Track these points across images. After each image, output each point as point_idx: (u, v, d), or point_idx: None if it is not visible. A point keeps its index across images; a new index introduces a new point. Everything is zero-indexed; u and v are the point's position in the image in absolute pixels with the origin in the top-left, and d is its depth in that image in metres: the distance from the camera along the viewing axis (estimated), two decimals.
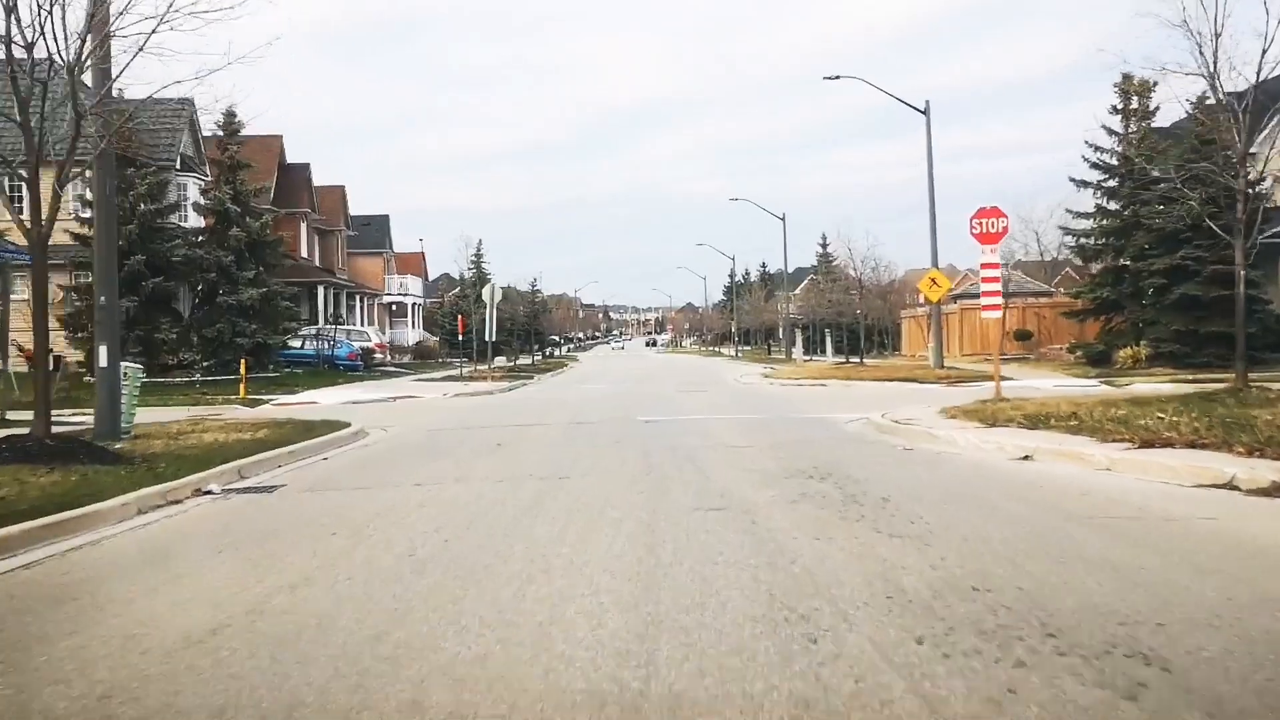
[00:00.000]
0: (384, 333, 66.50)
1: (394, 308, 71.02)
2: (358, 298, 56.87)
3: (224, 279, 34.07)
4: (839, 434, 15.22)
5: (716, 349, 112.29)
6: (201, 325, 33.56)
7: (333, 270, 55.05)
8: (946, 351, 48.99)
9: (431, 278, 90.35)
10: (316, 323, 47.72)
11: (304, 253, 50.20)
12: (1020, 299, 46.30)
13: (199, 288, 34.90)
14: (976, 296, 36.92)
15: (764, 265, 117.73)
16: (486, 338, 35.08)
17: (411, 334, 69.77)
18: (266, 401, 24.21)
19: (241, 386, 25.12)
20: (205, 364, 32.15)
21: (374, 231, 68.02)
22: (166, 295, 32.60)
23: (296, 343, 38.94)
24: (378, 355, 44.09)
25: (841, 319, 61.34)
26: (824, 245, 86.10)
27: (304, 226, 50.11)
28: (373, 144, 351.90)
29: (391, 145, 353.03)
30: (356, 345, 41.58)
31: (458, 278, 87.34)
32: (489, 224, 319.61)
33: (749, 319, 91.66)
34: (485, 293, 35.26)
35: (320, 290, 47.74)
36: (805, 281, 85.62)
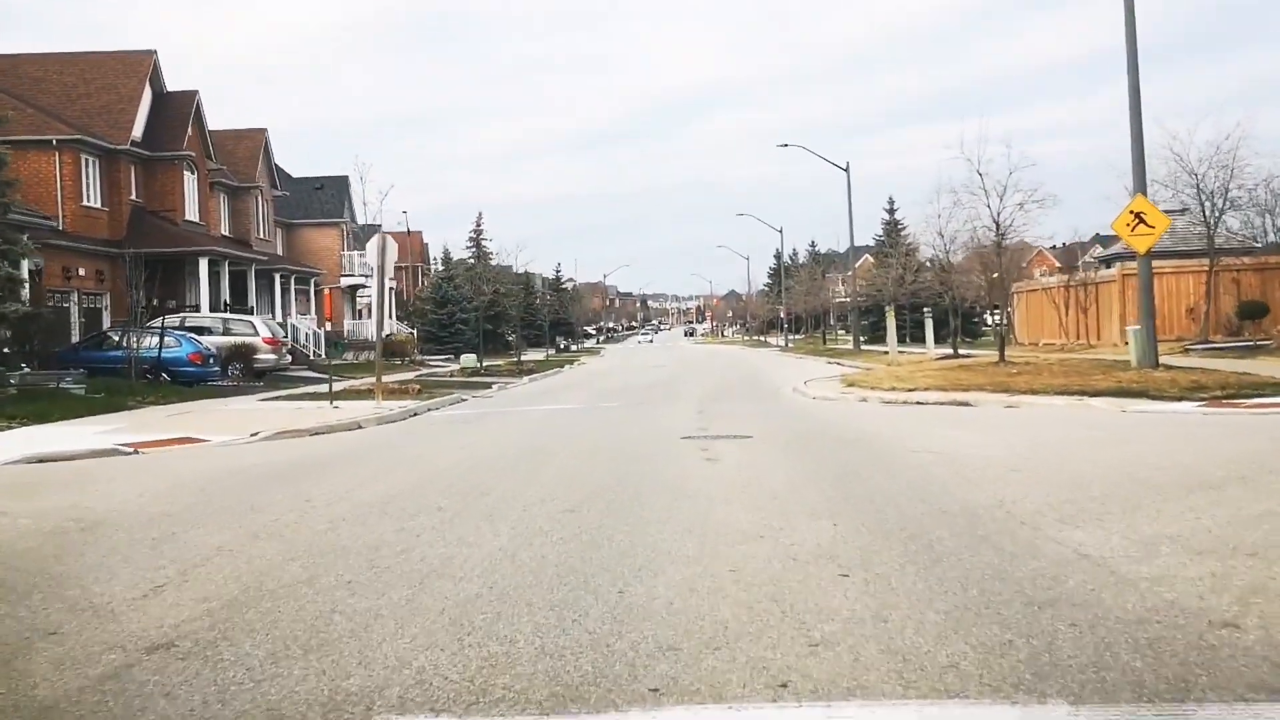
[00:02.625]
0: (339, 322, 52.61)
1: (359, 292, 57.06)
2: (291, 279, 42.88)
3: None
4: None
5: (762, 338, 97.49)
6: None
7: (246, 240, 41.10)
8: (1095, 338, 34.11)
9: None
10: (199, 309, 33.84)
11: (191, 213, 36.27)
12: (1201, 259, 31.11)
13: None
14: (1146, 256, 22.78)
15: (813, 244, 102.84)
16: (374, 328, 21.06)
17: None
18: None
19: None
20: None
21: (327, 197, 54.06)
22: None
23: (149, 340, 24.98)
24: (267, 356, 30.06)
25: (919, 299, 46.77)
26: (891, 210, 71.28)
27: (189, 178, 36.16)
28: (413, 136, 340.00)
29: (430, 138, 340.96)
30: (209, 343, 27.53)
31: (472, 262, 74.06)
32: (529, 215, 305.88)
33: (799, 303, 76.92)
34: (370, 247, 21.04)
35: (203, 265, 33.76)
36: (860, 261, 70.71)
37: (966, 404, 17.49)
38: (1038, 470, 8.54)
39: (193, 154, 35.65)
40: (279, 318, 40.30)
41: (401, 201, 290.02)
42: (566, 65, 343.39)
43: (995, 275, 26.09)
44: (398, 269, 76.06)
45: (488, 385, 29.67)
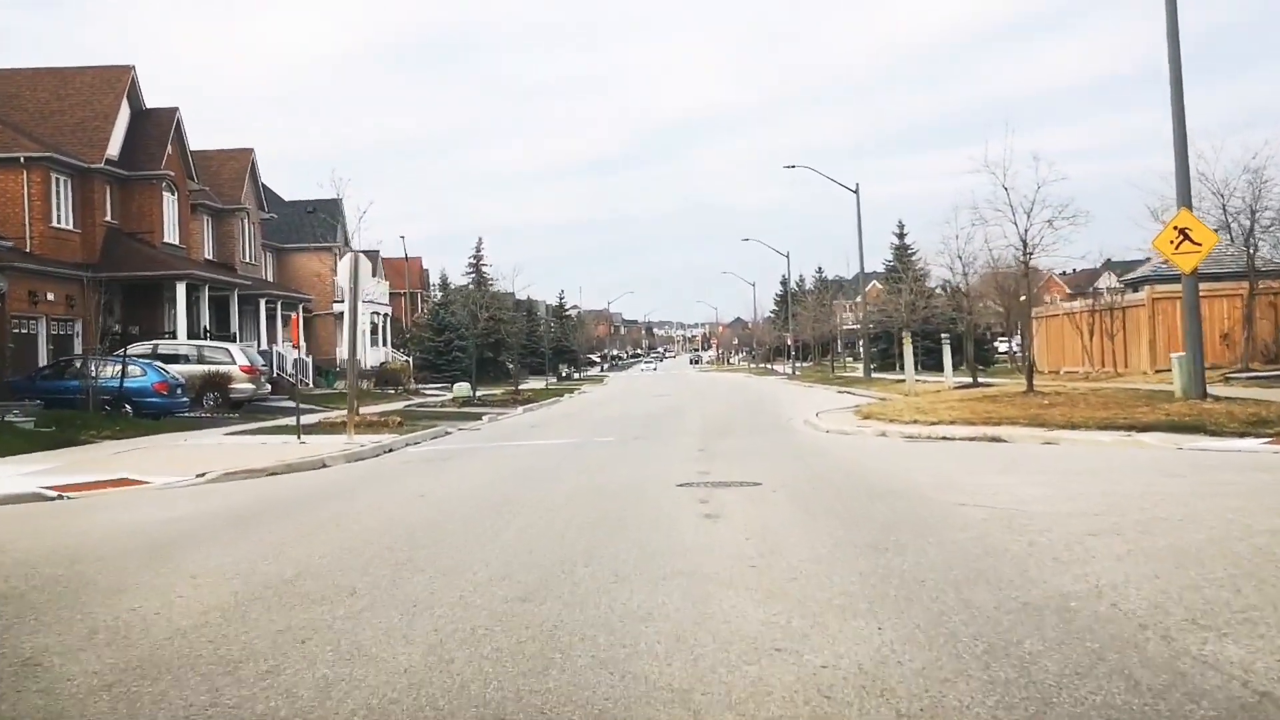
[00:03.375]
0: (327, 350, 50.92)
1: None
2: (278, 305, 41.18)
3: None
4: None
5: (768, 365, 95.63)
6: None
7: (231, 265, 39.45)
8: (1122, 365, 32.25)
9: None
10: (176, 336, 32.17)
11: (170, 236, 34.63)
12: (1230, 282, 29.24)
13: None
14: (1175, 280, 21.37)
15: (820, 270, 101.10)
16: (346, 351, 19.44)
17: (371, 353, 53.96)
18: None
19: None
20: None
21: (320, 220, 52.34)
22: None
23: (111, 368, 23.24)
24: (244, 386, 28.31)
25: (930, 325, 45.00)
26: (900, 234, 69.62)
27: (168, 199, 34.55)
28: (415, 160, 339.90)
29: (432, 165, 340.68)
30: (181, 372, 25.85)
31: (471, 288, 72.36)
32: (534, 242, 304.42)
33: (806, 330, 75.15)
34: (341, 268, 19.34)
35: (180, 289, 32.07)
36: (868, 287, 68.77)
37: (999, 439, 15.66)
38: (1125, 535, 6.72)
39: (172, 174, 34.05)
40: (264, 345, 38.62)
41: (403, 228, 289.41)
42: (570, 90, 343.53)
43: (1022, 298, 24.21)
44: (394, 295, 74.61)
45: (478, 416, 27.91)
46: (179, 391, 24.44)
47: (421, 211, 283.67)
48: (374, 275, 67.84)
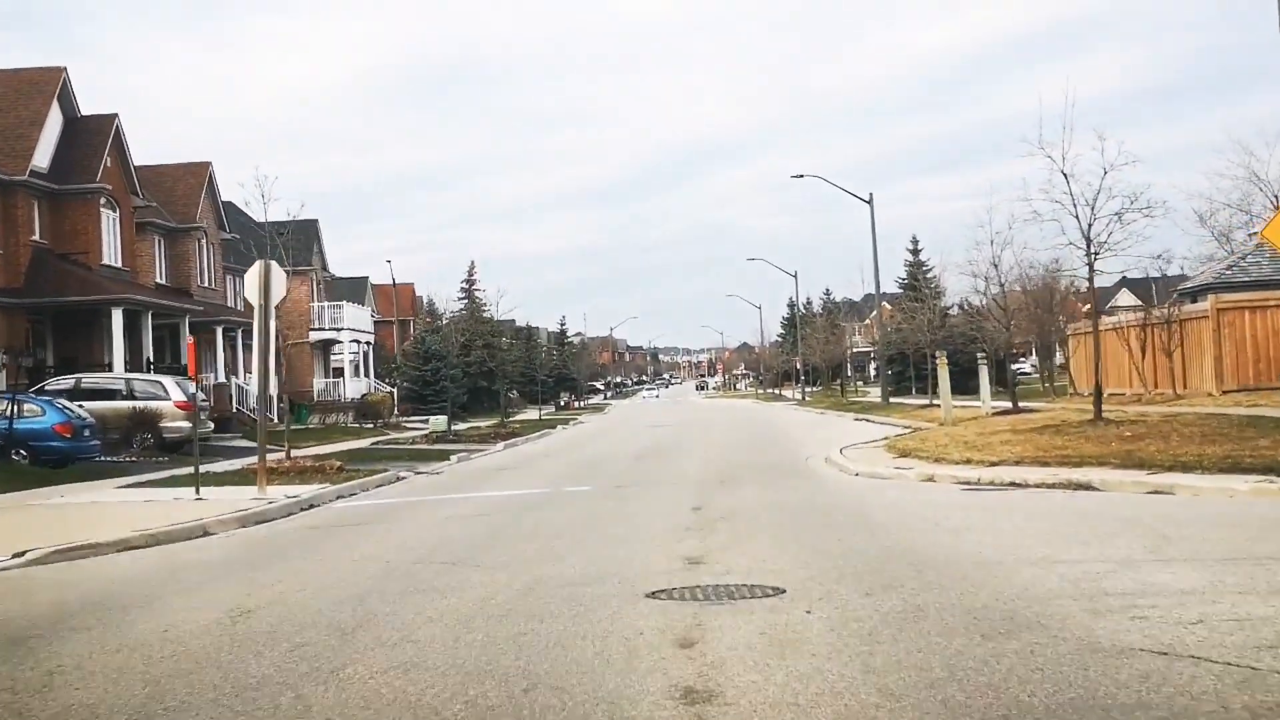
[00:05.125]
0: (269, 379, 47.21)
1: (333, 348, 51.76)
2: (239, 333, 37.43)
3: None
4: None
5: (776, 391, 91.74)
6: None
7: (187, 289, 35.82)
8: (1181, 386, 28.43)
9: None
10: (112, 367, 28.52)
11: (110, 257, 31.04)
12: None
13: None
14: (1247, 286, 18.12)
15: (828, 291, 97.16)
16: (257, 380, 15.91)
17: (352, 384, 50.34)
18: None
19: None
20: None
21: (293, 243, 48.78)
22: None
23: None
24: (178, 424, 24.60)
25: (948, 345, 41.10)
26: (915, 250, 65.82)
27: (107, 216, 30.96)
28: (418, 194, 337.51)
29: (432, 196, 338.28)
30: (99, 410, 22.25)
31: (460, 313, 68.75)
32: (538, 270, 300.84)
33: (815, 353, 71.33)
34: (249, 278, 15.62)
35: (116, 316, 28.42)
36: (875, 311, 64.98)
37: (1089, 486, 11.90)
38: None
39: (110, 187, 30.45)
40: (221, 377, 34.94)
41: (404, 260, 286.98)
42: (577, 119, 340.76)
43: (1086, 307, 20.52)
44: (384, 324, 71.05)
45: (446, 456, 24.17)
46: (87, 433, 20.72)
47: (422, 243, 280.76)
48: (364, 304, 64.41)
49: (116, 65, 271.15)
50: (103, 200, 30.72)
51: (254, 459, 20.81)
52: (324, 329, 48.66)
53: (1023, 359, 57.41)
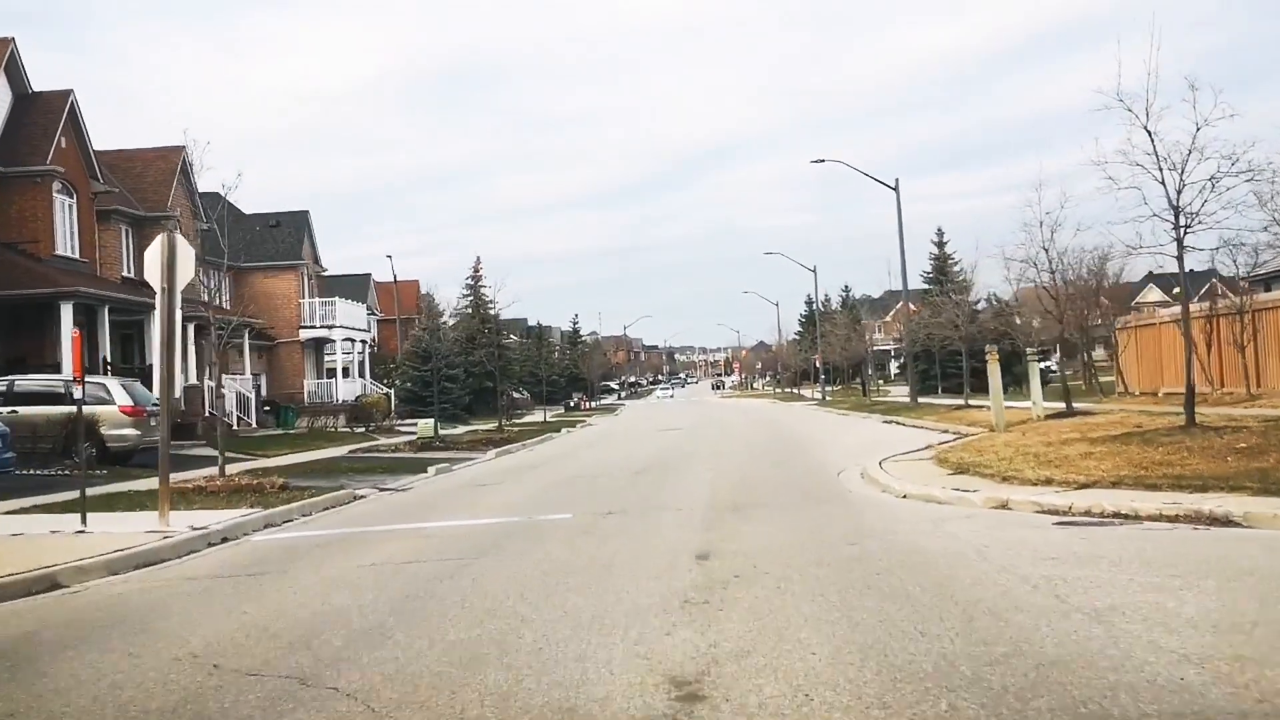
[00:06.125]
0: (302, 383, 44.35)
1: (326, 348, 48.90)
2: (214, 329, 34.46)
3: None
4: None
5: (794, 390, 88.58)
6: None
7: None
8: (1255, 384, 25.27)
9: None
10: (60, 368, 25.72)
11: (64, 247, 28.28)
12: None
13: None
14: None
15: (847, 288, 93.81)
16: (158, 377, 13.02)
17: (345, 385, 47.52)
18: None
19: None
20: None
21: (284, 236, 46.10)
22: None
23: None
24: (124, 432, 21.86)
25: (976, 343, 37.93)
26: (940, 243, 62.59)
27: (61, 202, 28.18)
28: (429, 194, 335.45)
29: (444, 197, 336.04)
30: (32, 415, 19.54)
31: (469, 312, 65.78)
32: (553, 269, 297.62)
33: (835, 351, 68.19)
34: (150, 254, 12.71)
35: (66, 311, 25.64)
36: (899, 306, 61.74)
37: (1229, 522, 8.87)
38: None
39: (63, 170, 27.68)
40: (193, 378, 32.13)
41: (418, 261, 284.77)
42: (593, 119, 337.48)
43: (1175, 290, 17.45)
44: (383, 323, 68.12)
45: (424, 468, 21.27)
46: (0, 444, 17.89)
47: (435, 244, 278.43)
48: (365, 302, 61.57)
49: (121, 66, 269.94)
50: (56, 185, 27.97)
51: (214, 469, 18.10)
52: (315, 326, 45.80)
53: (1046, 353, 54.15)
